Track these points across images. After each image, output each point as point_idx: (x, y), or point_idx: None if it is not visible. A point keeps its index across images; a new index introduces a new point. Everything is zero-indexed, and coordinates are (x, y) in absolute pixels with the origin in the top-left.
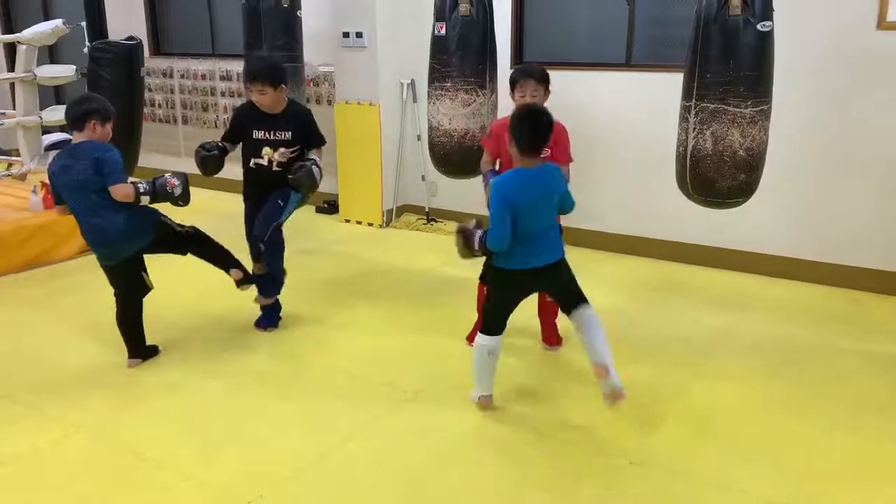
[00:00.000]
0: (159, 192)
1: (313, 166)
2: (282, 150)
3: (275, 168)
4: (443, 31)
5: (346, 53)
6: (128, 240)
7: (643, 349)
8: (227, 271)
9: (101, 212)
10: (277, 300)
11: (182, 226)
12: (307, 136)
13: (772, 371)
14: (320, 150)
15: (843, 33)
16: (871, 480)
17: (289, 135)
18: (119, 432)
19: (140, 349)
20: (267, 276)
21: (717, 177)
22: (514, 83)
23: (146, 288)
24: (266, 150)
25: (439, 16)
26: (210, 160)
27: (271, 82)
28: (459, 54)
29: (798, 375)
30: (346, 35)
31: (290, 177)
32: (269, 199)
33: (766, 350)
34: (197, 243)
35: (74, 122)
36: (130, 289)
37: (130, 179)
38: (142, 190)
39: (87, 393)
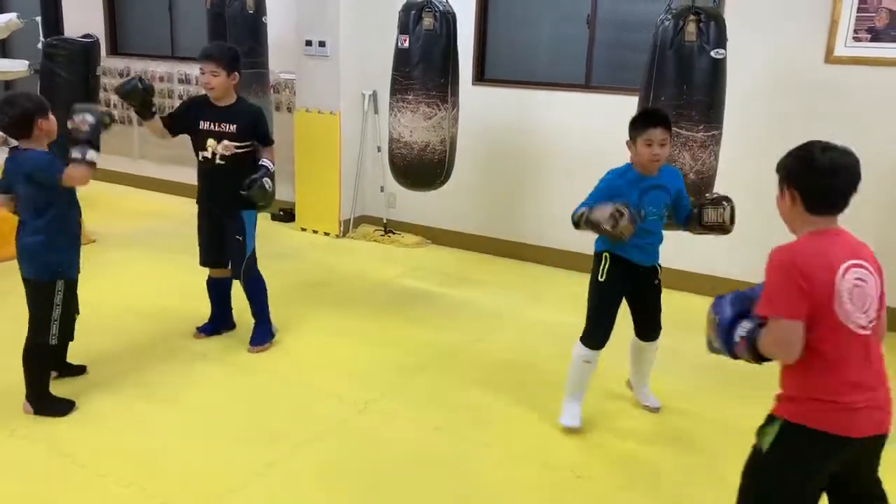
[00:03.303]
0: (88, 136)
1: (264, 178)
2: (225, 142)
3: (218, 161)
4: (406, 44)
5: (308, 61)
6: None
7: None
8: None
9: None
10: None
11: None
12: (254, 132)
13: (719, 390)
14: (271, 150)
15: (793, 65)
16: None
17: (233, 128)
18: (56, 439)
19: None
20: (256, 326)
21: None
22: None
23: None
24: (210, 142)
25: (403, 28)
26: (136, 90)
27: (224, 65)
28: (422, 67)
29: (745, 396)
30: (308, 43)
31: (242, 192)
32: (225, 236)
33: (713, 370)
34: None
35: (22, 129)
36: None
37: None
38: (86, 156)
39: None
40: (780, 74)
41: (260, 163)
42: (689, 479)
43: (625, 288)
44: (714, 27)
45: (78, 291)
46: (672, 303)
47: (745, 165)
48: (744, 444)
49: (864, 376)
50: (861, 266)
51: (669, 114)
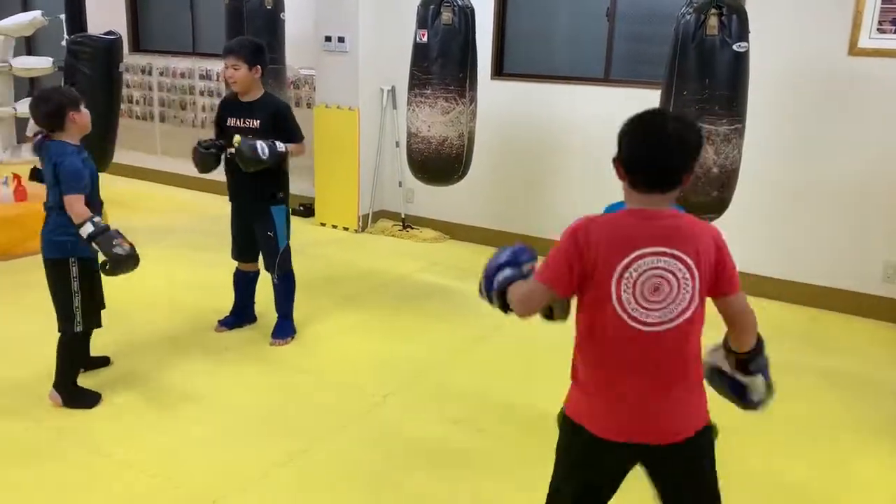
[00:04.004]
0: (104, 240)
1: (259, 143)
2: (250, 137)
3: None
4: (424, 39)
5: (327, 57)
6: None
7: None
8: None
9: None
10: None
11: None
12: (282, 128)
13: None
14: (300, 147)
15: (817, 58)
16: (831, 498)
17: (257, 123)
18: (83, 429)
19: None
20: (279, 320)
21: (690, 193)
22: None
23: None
24: (236, 138)
25: (421, 23)
26: (209, 158)
27: (245, 58)
28: (440, 62)
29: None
30: (328, 39)
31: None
32: (256, 232)
33: None
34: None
35: (55, 123)
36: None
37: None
38: (91, 228)
39: (49, 388)
40: (804, 67)
41: (283, 145)
42: None
43: None
44: (736, 20)
45: (102, 284)
46: None
47: (768, 158)
48: None
49: (627, 378)
50: (662, 254)
51: (692, 108)
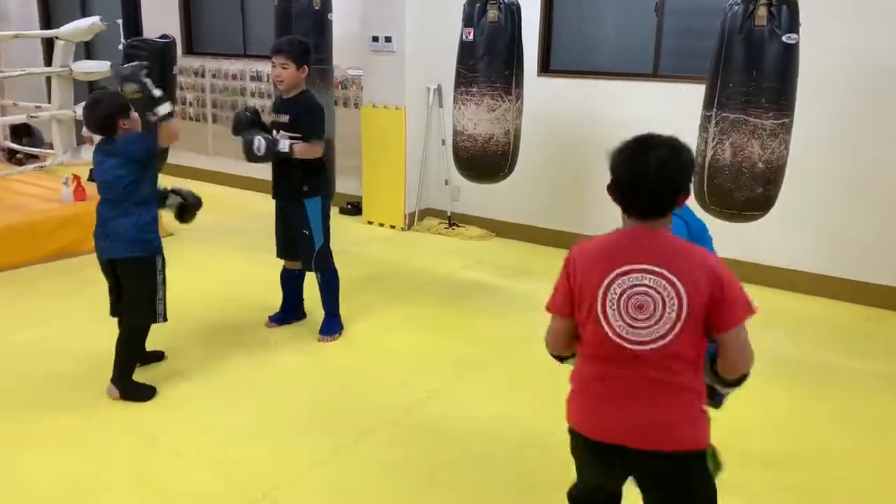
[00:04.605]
0: (148, 95)
1: (263, 140)
2: (282, 132)
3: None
4: (470, 37)
5: (374, 57)
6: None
7: None
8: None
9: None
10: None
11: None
12: (304, 124)
13: (789, 387)
14: (309, 147)
15: (872, 50)
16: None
17: (287, 119)
18: (138, 421)
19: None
20: (326, 317)
21: (735, 188)
22: None
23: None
24: (275, 134)
25: (468, 21)
26: (242, 118)
27: (294, 57)
28: (486, 59)
29: (814, 393)
30: (375, 39)
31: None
32: (293, 229)
33: (784, 366)
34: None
35: (105, 128)
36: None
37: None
38: (160, 113)
39: (107, 381)
40: (858, 59)
41: (297, 141)
42: None
43: None
44: (786, 11)
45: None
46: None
47: (817, 154)
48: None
49: (614, 392)
50: (648, 272)
51: (738, 100)
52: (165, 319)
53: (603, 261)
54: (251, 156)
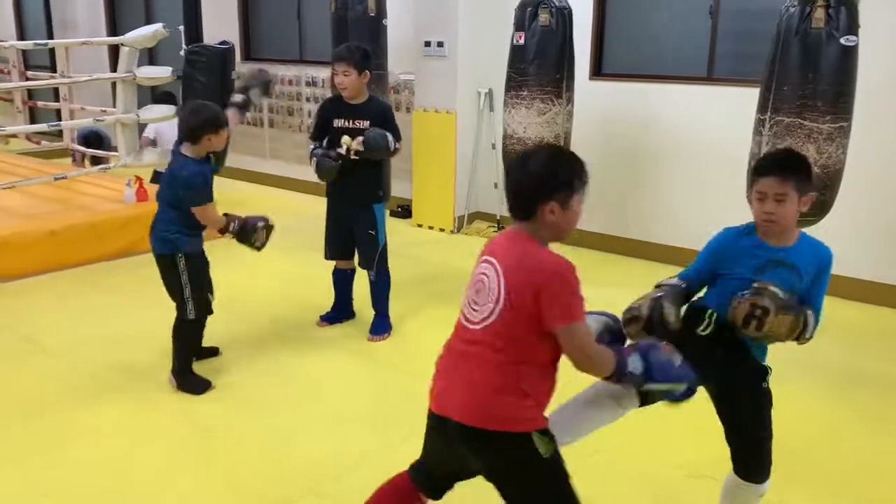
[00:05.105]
0: (248, 228)
1: (387, 133)
2: (359, 138)
3: (352, 156)
4: (521, 41)
5: (426, 62)
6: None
7: None
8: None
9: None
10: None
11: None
12: (384, 125)
13: (840, 396)
14: (399, 144)
15: None
16: None
17: (367, 123)
18: (194, 412)
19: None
20: (377, 317)
21: None
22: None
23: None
24: (345, 139)
25: (519, 25)
26: (333, 167)
27: (355, 64)
28: (537, 63)
29: (867, 402)
30: (427, 44)
31: (364, 135)
32: (356, 230)
33: (835, 374)
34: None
35: (191, 136)
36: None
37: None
38: (232, 227)
39: (167, 374)
40: None
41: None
42: None
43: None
44: (845, 13)
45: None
46: None
47: (874, 158)
48: None
49: (452, 367)
50: (488, 262)
51: (793, 104)
52: (195, 317)
53: (483, 252)
54: (384, 148)
